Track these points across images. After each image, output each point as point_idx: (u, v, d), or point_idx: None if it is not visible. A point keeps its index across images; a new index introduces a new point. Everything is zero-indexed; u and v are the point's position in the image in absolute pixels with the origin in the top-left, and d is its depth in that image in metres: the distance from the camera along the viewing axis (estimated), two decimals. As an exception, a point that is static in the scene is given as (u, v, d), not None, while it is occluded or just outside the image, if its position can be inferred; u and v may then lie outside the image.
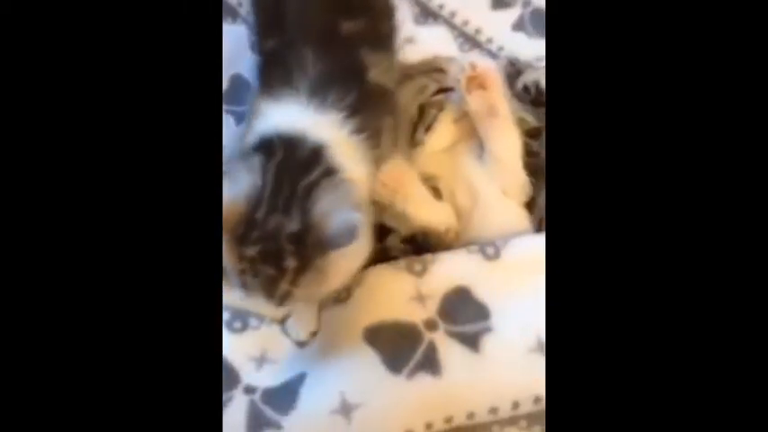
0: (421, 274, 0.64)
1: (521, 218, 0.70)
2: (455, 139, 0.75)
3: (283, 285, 0.51)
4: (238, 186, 0.52)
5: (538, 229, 0.70)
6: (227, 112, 0.84)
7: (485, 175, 0.72)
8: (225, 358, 0.62)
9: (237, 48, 0.87)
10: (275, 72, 0.60)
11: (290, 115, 0.57)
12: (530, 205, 0.71)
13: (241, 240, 0.52)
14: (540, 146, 0.72)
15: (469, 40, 0.89)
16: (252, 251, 0.52)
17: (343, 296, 0.63)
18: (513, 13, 0.91)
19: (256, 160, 0.54)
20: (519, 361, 0.60)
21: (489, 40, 0.90)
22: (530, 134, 0.72)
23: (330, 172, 0.55)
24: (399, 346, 0.60)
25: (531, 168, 0.71)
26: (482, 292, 0.63)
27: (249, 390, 0.60)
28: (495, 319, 0.62)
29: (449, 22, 0.89)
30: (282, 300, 0.52)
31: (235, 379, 0.61)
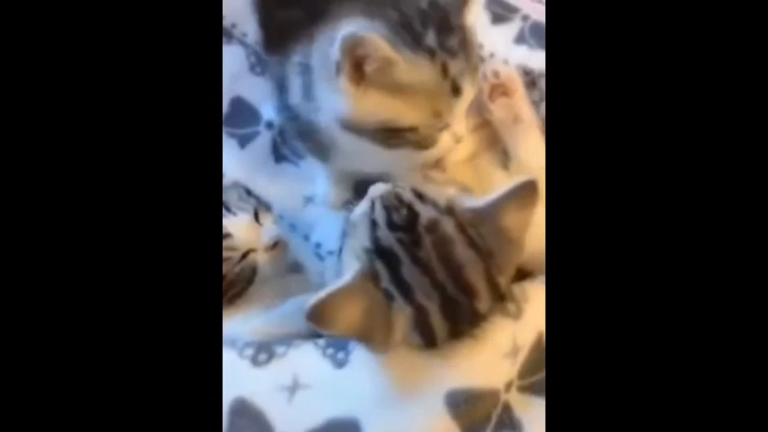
0: (516, 316, 0.54)
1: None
2: (475, 150, 0.72)
3: None
4: None
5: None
6: (231, 135, 0.80)
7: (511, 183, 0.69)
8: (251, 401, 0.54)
9: (236, 70, 0.84)
10: None
11: None
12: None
13: None
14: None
15: (472, 55, 0.89)
16: None
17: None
18: (513, 28, 0.90)
19: None
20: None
21: (492, 55, 0.89)
22: (553, 141, 0.71)
23: None
24: (476, 412, 0.52)
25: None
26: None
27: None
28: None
29: (451, 39, 0.88)
30: None
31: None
